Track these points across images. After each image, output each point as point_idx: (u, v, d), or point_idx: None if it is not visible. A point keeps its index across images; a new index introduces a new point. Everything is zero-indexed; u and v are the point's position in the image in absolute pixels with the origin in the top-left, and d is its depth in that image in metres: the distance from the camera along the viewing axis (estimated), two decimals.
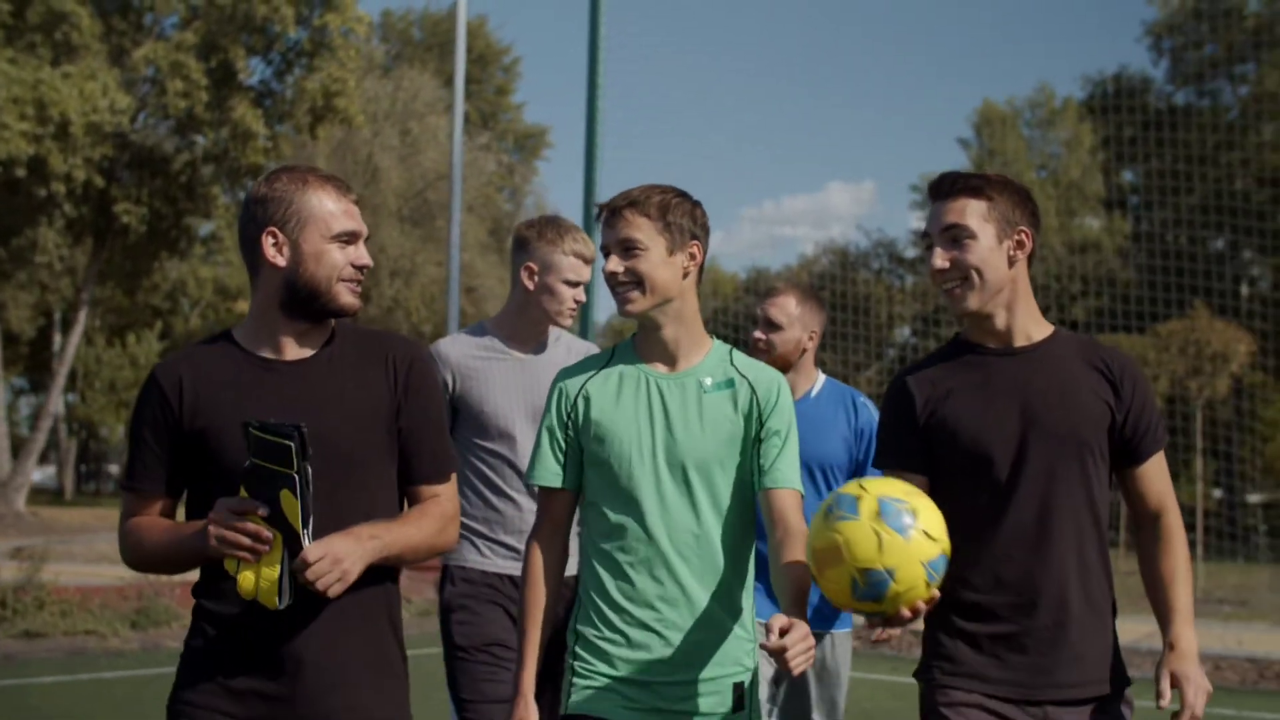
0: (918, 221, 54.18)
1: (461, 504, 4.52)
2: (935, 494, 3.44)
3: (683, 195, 3.60)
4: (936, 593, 3.16)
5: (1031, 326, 3.57)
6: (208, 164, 34.96)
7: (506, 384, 4.84)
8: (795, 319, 5.13)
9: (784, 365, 5.10)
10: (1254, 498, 48.34)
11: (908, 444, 3.58)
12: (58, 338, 47.08)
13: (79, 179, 31.46)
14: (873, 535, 3.11)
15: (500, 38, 64.63)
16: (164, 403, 3.32)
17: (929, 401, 3.55)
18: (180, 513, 3.43)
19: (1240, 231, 34.80)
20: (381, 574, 3.30)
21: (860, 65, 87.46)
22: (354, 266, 3.34)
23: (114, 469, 75.28)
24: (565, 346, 5.00)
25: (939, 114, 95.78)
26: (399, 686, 3.41)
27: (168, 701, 3.26)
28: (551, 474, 3.61)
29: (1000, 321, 3.55)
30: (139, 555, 3.36)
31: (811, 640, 3.18)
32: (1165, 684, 3.33)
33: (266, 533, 3.03)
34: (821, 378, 5.25)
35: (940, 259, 3.52)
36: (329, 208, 3.32)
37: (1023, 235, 3.52)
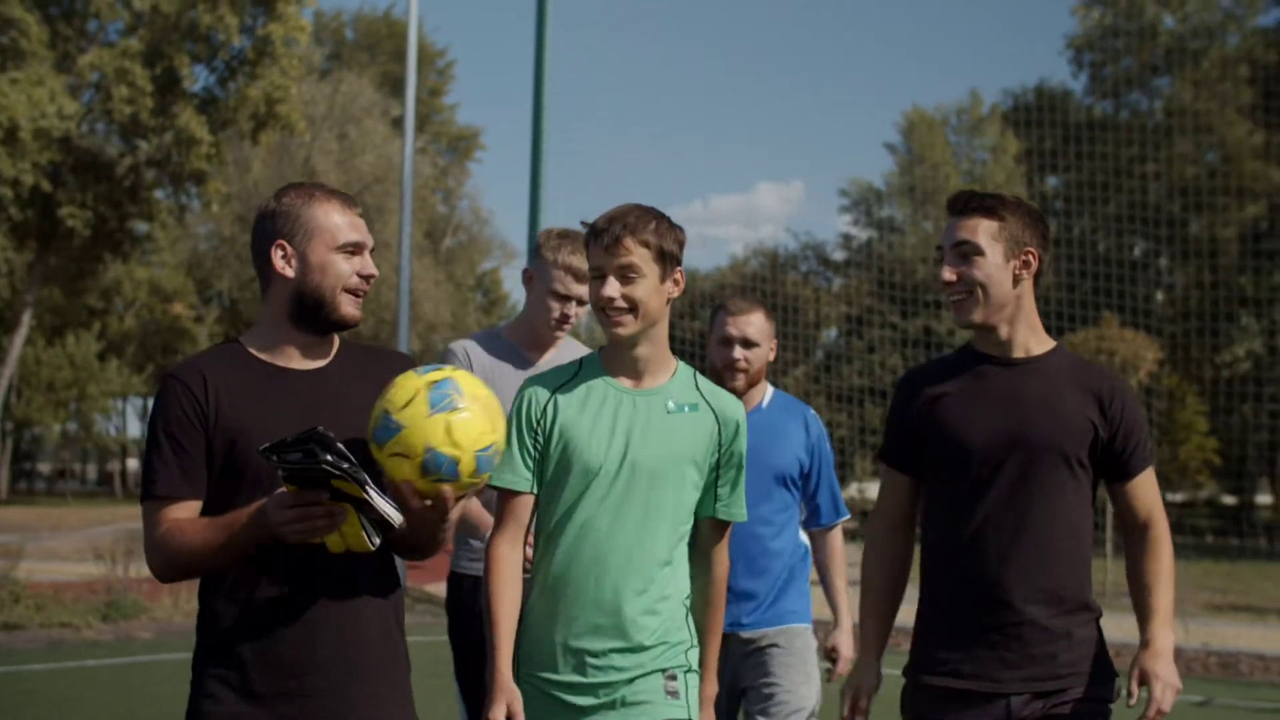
0: (845, 225, 54.94)
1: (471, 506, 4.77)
2: (928, 491, 3.79)
3: (670, 222, 3.68)
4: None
5: (1031, 341, 3.74)
6: (151, 168, 35.46)
7: (515, 387, 4.81)
8: (766, 334, 5.10)
9: (756, 381, 5.11)
10: (1173, 497, 49.73)
11: (903, 442, 3.82)
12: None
13: (26, 183, 31.98)
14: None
15: (435, 40, 65.07)
16: (194, 403, 3.33)
17: (924, 402, 3.75)
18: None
19: (1155, 240, 36.05)
20: (387, 570, 3.45)
21: (792, 66, 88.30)
22: (360, 276, 3.43)
23: (44, 468, 74.98)
24: (574, 353, 4.93)
25: (868, 118, 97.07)
26: (405, 677, 3.51)
27: (187, 712, 3.32)
28: (521, 479, 3.67)
29: (1002, 334, 3.71)
30: (186, 559, 3.31)
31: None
32: (1135, 683, 3.51)
33: (337, 508, 3.10)
34: (770, 389, 5.22)
35: (949, 272, 3.69)
36: (334, 220, 3.43)
37: (1029, 255, 3.68)
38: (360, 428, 3.31)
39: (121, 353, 54.87)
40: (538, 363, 4.93)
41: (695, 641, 3.72)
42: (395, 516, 3.12)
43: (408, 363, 3.55)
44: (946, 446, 3.68)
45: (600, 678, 3.58)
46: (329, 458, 3.01)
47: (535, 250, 5.00)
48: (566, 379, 3.72)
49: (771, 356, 5.13)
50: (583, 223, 3.73)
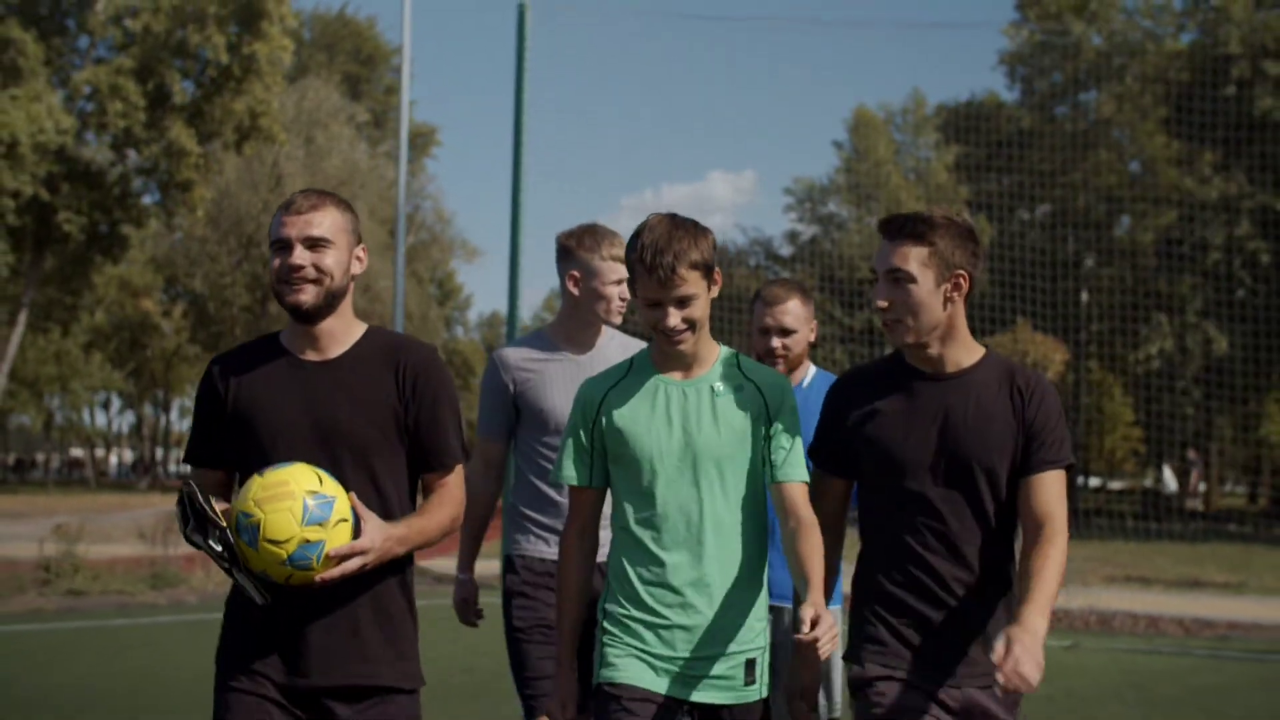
0: (791, 223, 54.87)
1: (524, 495, 5.11)
2: (861, 497, 3.88)
3: (701, 228, 3.76)
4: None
5: (962, 354, 3.77)
6: (140, 176, 37.55)
7: (563, 384, 5.01)
8: (803, 320, 5.14)
9: (798, 364, 5.19)
10: (1102, 484, 51.95)
11: (833, 449, 3.87)
12: None
13: (26, 193, 33.92)
14: (310, 471, 3.52)
15: (390, 39, 65.58)
16: (212, 389, 3.75)
17: (858, 415, 3.81)
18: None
19: (1082, 242, 38.16)
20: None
21: (747, 62, 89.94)
22: (284, 267, 3.63)
23: (7, 459, 75.84)
24: (620, 345, 5.15)
25: (818, 116, 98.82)
26: (411, 644, 3.77)
27: (215, 670, 3.73)
28: (569, 474, 3.86)
29: (934, 351, 3.75)
30: None
31: (836, 626, 3.49)
32: (1000, 646, 3.35)
33: (221, 562, 3.48)
34: (812, 369, 5.27)
35: (881, 299, 3.73)
36: (275, 223, 3.70)
37: (960, 278, 3.70)
38: (361, 418, 3.67)
39: (101, 348, 56.20)
40: (581, 358, 5.10)
41: (766, 619, 3.86)
42: (255, 598, 3.51)
43: (419, 351, 3.80)
44: (877, 461, 3.76)
45: (675, 651, 3.70)
46: (198, 536, 3.44)
47: (565, 254, 5.12)
48: (619, 378, 3.86)
49: (812, 337, 5.18)
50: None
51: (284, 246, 3.63)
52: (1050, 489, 3.70)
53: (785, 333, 5.10)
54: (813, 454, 3.91)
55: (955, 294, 3.73)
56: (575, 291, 5.08)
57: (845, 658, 3.84)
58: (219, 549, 3.40)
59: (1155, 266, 36.59)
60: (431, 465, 3.78)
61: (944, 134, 47.46)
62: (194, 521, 3.41)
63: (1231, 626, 15.29)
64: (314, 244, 3.62)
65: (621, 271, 4.98)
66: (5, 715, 8.87)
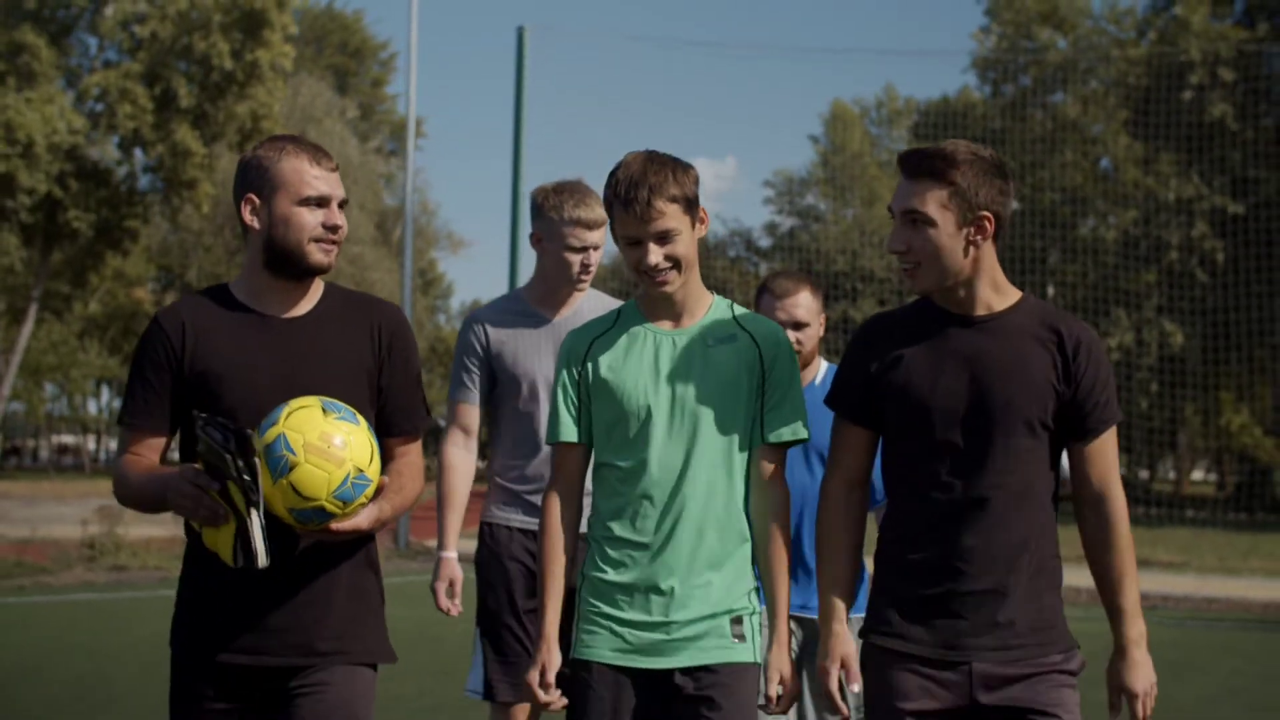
0: (770, 215, 55.24)
1: (498, 463, 4.91)
2: (885, 452, 3.56)
3: (683, 164, 3.54)
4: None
5: (993, 297, 3.45)
6: (146, 174, 39.22)
7: (537, 346, 4.83)
8: (815, 312, 4.86)
9: (810, 360, 4.89)
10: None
11: (861, 396, 3.54)
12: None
13: (41, 192, 35.31)
14: (368, 443, 3.29)
15: (377, 33, 66.63)
16: (167, 345, 3.46)
17: (883, 360, 3.49)
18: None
19: (1048, 239, 39.37)
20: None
21: (729, 56, 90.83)
22: (325, 227, 3.42)
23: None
24: (602, 305, 4.88)
25: (795, 110, 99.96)
26: (378, 617, 3.62)
27: (171, 655, 3.55)
28: (566, 430, 3.62)
29: (960, 294, 3.44)
30: (124, 492, 3.49)
31: (797, 685, 3.57)
32: (1118, 695, 3.48)
33: (220, 508, 3.17)
34: (824, 365, 4.99)
35: (898, 243, 3.43)
36: (302, 174, 3.42)
37: (984, 220, 3.37)
38: (334, 377, 3.46)
39: (96, 336, 57.25)
40: (555, 319, 4.91)
41: (757, 583, 3.63)
42: (259, 558, 3.16)
43: (391, 311, 3.62)
44: (905, 408, 3.46)
45: (661, 616, 3.50)
46: (239, 460, 3.10)
47: (536, 211, 4.90)
48: (605, 328, 3.66)
49: (821, 331, 4.92)
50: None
51: (322, 203, 3.47)
52: (1108, 454, 3.52)
53: (798, 326, 4.82)
54: (833, 401, 3.64)
55: (979, 237, 3.41)
56: (540, 250, 4.94)
57: (860, 633, 3.62)
58: (249, 479, 3.15)
59: (1114, 265, 37.70)
60: (403, 429, 3.65)
61: (915, 134, 48.39)
62: (236, 439, 3.13)
63: (1164, 599, 16.65)
64: (342, 204, 3.50)
65: (586, 237, 4.84)
66: (98, 669, 10.18)
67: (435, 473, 5.02)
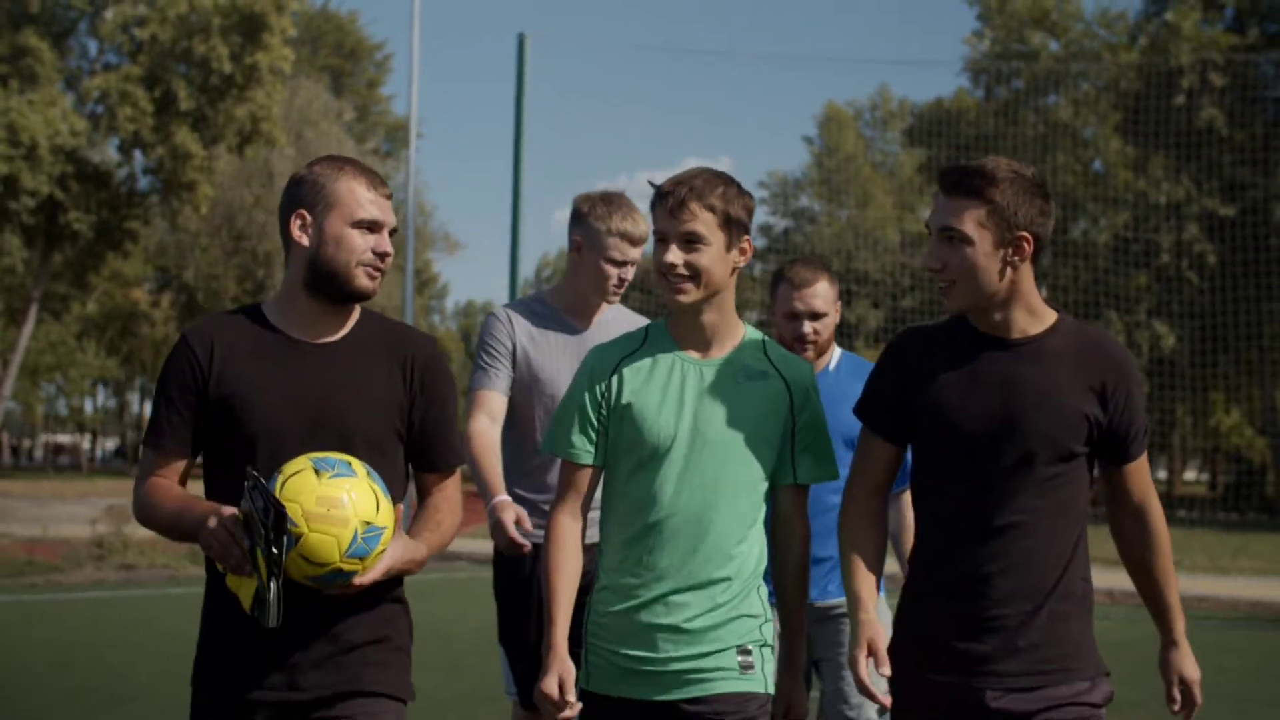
0: (765, 216, 55.14)
1: (511, 468, 4.78)
2: (915, 471, 3.52)
3: (739, 188, 3.49)
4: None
5: (1027, 321, 3.38)
6: (146, 176, 39.43)
7: (561, 354, 4.77)
8: (832, 301, 4.81)
9: (826, 350, 4.86)
10: None
11: (885, 411, 3.52)
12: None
13: (43, 193, 35.53)
14: (371, 493, 3.17)
15: (372, 33, 67.02)
16: (194, 365, 3.36)
17: (916, 378, 3.45)
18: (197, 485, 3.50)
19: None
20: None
21: (724, 60, 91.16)
22: (374, 253, 3.35)
23: None
24: (629, 323, 4.81)
25: (790, 112, 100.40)
26: (407, 654, 3.52)
27: (192, 693, 3.42)
28: (582, 450, 3.52)
29: (995, 316, 3.39)
30: (148, 516, 3.41)
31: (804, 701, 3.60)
32: (1174, 688, 3.59)
33: (248, 564, 3.09)
34: (838, 351, 4.95)
35: (934, 260, 3.38)
36: (357, 195, 3.35)
37: (1023, 240, 3.31)
38: (362, 405, 3.37)
39: (94, 336, 57.48)
40: (585, 331, 4.85)
41: (769, 616, 3.58)
42: (270, 620, 3.08)
43: (425, 343, 3.52)
44: (933, 429, 3.42)
45: (671, 650, 3.44)
46: (270, 534, 3.02)
47: (577, 217, 4.84)
48: (633, 349, 3.57)
49: (837, 319, 4.86)
50: (650, 182, 3.57)
51: (374, 228, 3.39)
52: (1145, 469, 3.53)
53: (815, 316, 4.79)
54: (861, 413, 3.58)
55: (1017, 258, 3.34)
56: (578, 257, 4.83)
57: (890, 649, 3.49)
58: (277, 553, 3.05)
59: (1105, 268, 37.95)
60: (437, 465, 3.56)
61: (909, 137, 48.55)
62: (274, 516, 3.03)
63: None
64: (392, 232, 3.42)
65: (628, 251, 4.77)
66: (122, 670, 10.48)
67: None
